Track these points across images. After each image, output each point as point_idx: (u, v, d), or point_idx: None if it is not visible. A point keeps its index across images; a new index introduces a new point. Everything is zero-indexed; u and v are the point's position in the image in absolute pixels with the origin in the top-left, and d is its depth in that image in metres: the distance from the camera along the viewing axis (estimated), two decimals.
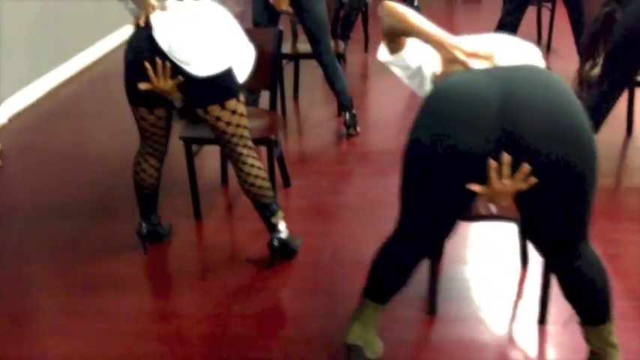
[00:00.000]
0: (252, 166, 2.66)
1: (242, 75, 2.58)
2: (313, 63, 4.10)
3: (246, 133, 2.64)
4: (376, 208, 3.21)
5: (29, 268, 2.87)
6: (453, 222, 2.00)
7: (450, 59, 1.86)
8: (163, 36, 2.43)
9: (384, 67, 2.14)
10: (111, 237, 3.04)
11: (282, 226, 2.74)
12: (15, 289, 2.73)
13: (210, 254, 2.97)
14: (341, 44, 4.43)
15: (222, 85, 2.51)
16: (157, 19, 2.46)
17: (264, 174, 2.69)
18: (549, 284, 2.32)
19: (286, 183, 3.42)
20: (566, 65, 4.18)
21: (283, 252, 2.78)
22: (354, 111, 4.08)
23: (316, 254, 2.87)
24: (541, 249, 2.00)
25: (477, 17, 6.92)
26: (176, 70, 2.44)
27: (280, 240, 2.73)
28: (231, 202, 3.37)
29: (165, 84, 2.46)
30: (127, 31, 5.88)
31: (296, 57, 4.45)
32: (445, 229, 2.03)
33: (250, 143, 2.67)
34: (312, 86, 4.89)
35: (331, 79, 4.00)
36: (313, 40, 3.89)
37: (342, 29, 5.17)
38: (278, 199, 2.82)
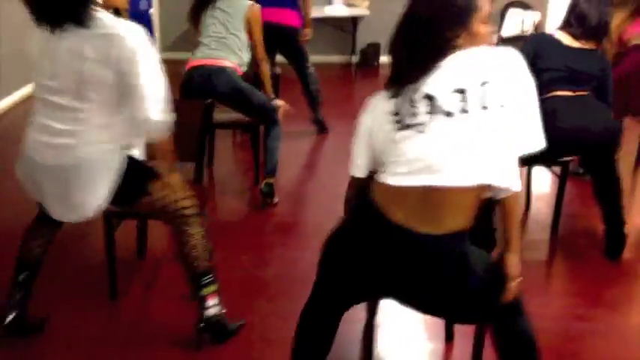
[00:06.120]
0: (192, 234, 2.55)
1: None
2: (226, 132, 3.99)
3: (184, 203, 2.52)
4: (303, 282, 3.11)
5: None
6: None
7: None
8: None
9: None
10: None
11: (212, 301, 2.57)
12: None
13: (128, 336, 2.73)
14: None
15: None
16: None
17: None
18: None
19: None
20: None
21: (213, 332, 2.60)
22: (272, 180, 3.99)
23: (245, 332, 2.72)
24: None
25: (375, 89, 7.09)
26: None
27: (207, 318, 2.56)
28: (152, 277, 3.16)
29: None
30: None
31: (214, 126, 4.32)
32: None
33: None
34: (226, 156, 4.81)
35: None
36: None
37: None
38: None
